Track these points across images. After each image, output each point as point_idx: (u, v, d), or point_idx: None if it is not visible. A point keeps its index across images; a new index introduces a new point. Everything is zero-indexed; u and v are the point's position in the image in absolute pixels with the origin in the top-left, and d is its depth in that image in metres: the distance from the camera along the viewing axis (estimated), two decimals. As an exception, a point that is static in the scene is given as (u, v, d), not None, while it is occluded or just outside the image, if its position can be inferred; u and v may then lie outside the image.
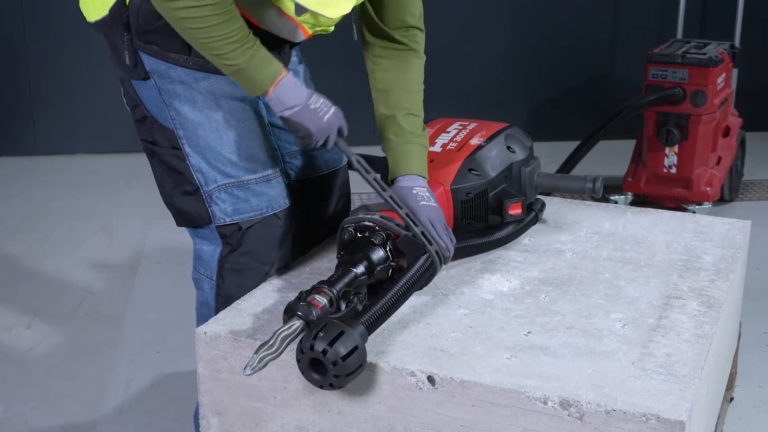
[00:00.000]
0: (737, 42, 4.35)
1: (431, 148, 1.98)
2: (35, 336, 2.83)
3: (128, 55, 1.81)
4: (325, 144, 1.81)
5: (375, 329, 1.55)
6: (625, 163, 3.93)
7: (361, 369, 1.48)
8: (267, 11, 1.74)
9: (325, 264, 1.95)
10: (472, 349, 1.59)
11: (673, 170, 3.72)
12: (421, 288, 1.75)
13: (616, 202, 3.72)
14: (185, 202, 1.91)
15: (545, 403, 1.45)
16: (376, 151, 2.00)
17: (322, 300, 1.55)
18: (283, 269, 1.93)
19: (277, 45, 1.85)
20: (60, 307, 3.03)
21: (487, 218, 1.97)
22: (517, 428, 1.47)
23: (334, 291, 1.58)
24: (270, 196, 1.88)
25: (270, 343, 1.47)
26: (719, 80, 3.71)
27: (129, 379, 2.58)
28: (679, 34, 4.46)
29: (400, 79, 1.91)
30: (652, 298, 1.80)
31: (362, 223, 1.73)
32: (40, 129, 4.64)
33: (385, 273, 1.70)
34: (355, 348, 1.45)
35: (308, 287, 1.60)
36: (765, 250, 3.30)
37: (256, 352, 1.46)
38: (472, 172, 1.94)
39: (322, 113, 1.78)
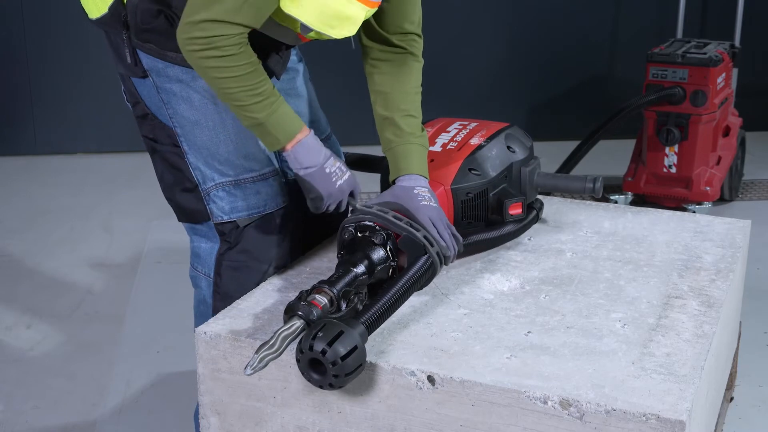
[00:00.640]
0: (737, 42, 4.35)
1: (431, 148, 1.98)
2: (35, 336, 2.83)
3: (128, 53, 1.81)
4: (337, 208, 1.82)
5: (375, 329, 1.55)
6: (625, 162, 3.93)
7: (360, 369, 1.48)
8: (268, 22, 1.74)
9: (325, 264, 1.95)
10: (472, 349, 1.59)
11: (673, 170, 3.72)
12: (421, 288, 1.75)
13: (616, 202, 3.72)
14: (185, 198, 1.92)
15: (545, 402, 1.45)
16: (375, 150, 2.00)
17: (322, 300, 1.55)
18: (283, 269, 1.93)
19: (276, 46, 1.85)
20: (60, 307, 3.03)
21: (487, 218, 1.97)
22: (517, 428, 1.47)
23: (335, 291, 1.58)
24: (267, 194, 1.88)
25: (270, 343, 1.47)
26: (719, 80, 3.71)
27: (129, 379, 2.58)
28: (679, 34, 4.46)
29: (399, 82, 1.91)
30: (652, 297, 1.80)
31: (362, 222, 1.73)
32: (39, 129, 4.64)
33: (386, 273, 1.70)
34: (355, 348, 1.45)
35: (308, 287, 1.60)
36: (765, 250, 3.30)
37: (257, 351, 1.46)
38: (473, 171, 1.94)
39: (336, 178, 1.79)
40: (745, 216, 2.35)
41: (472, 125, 2.08)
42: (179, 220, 2.00)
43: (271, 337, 1.48)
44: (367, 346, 1.50)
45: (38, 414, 2.42)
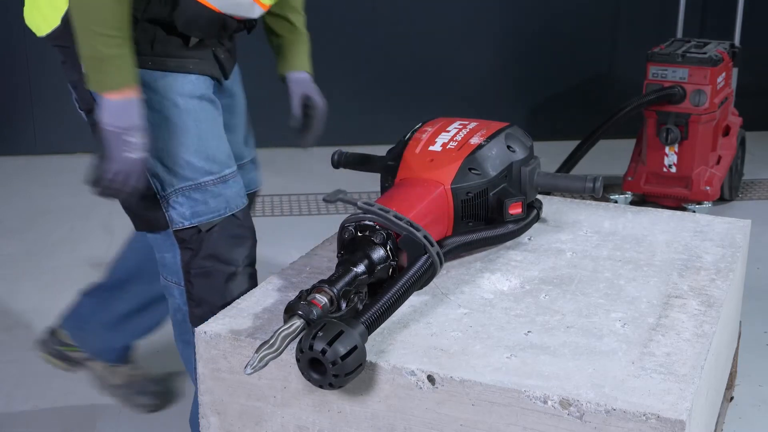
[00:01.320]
0: (737, 41, 4.35)
1: (431, 147, 1.98)
2: (35, 336, 2.83)
3: None
4: (117, 191, 1.79)
5: (375, 329, 1.55)
6: (624, 162, 3.93)
7: (360, 368, 1.48)
8: None
9: (325, 263, 1.95)
10: (472, 349, 1.59)
11: (673, 169, 3.72)
12: (421, 288, 1.75)
13: (616, 202, 3.73)
14: (142, 206, 1.90)
15: (545, 402, 1.45)
16: (375, 150, 2.01)
17: (322, 299, 1.55)
18: (278, 268, 1.93)
19: (223, 40, 1.89)
20: (60, 307, 3.03)
21: (487, 218, 1.97)
22: (517, 427, 1.47)
23: (335, 290, 1.58)
24: (228, 196, 1.88)
25: (270, 342, 1.47)
26: (719, 79, 3.71)
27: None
28: (679, 34, 4.46)
29: None
30: (652, 297, 1.80)
31: (363, 222, 1.73)
32: (39, 129, 4.64)
33: (386, 272, 1.70)
34: (355, 347, 1.45)
35: (308, 286, 1.60)
36: (765, 250, 3.30)
37: (257, 351, 1.46)
38: (473, 171, 1.94)
39: (129, 150, 1.75)
40: (745, 216, 2.35)
41: (472, 125, 2.08)
42: (137, 229, 1.99)
43: (271, 337, 1.48)
44: (367, 345, 1.50)
45: (38, 414, 2.43)
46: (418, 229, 1.71)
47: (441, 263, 1.72)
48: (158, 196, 1.86)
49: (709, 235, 2.13)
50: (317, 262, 1.97)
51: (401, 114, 4.69)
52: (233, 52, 1.94)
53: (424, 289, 1.78)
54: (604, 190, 2.53)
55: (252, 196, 2.14)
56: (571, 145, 3.63)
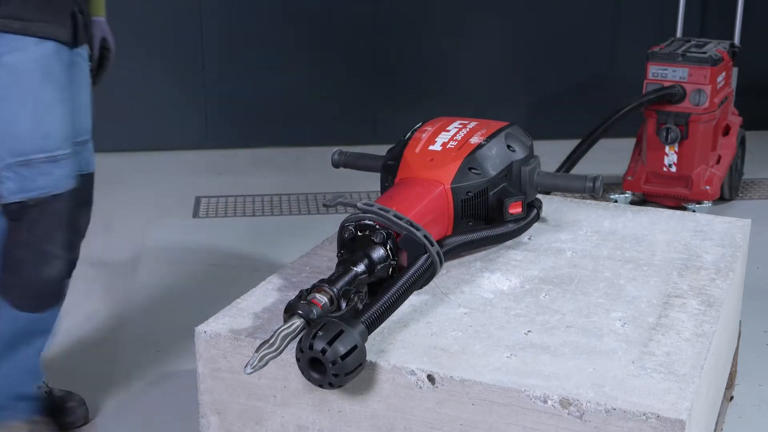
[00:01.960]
0: (737, 41, 4.35)
1: (431, 147, 1.98)
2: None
3: None
4: None
5: (375, 328, 1.55)
6: (624, 161, 3.93)
7: (360, 368, 1.48)
8: None
9: (325, 263, 1.95)
10: (472, 348, 1.59)
11: (673, 169, 3.72)
12: (421, 287, 1.75)
13: (616, 201, 3.73)
14: None
15: (545, 401, 1.45)
16: (375, 150, 2.01)
17: (322, 299, 1.55)
18: (278, 267, 1.93)
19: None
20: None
21: (487, 217, 1.97)
22: (517, 427, 1.47)
23: (335, 290, 1.57)
24: (56, 175, 1.89)
25: (270, 342, 1.47)
26: (719, 79, 3.71)
27: (129, 378, 2.58)
28: (679, 33, 4.46)
29: None
30: (652, 296, 1.80)
31: (363, 221, 1.73)
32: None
33: (386, 272, 1.70)
34: (355, 347, 1.45)
35: (308, 286, 1.60)
36: (765, 249, 3.30)
37: (257, 350, 1.45)
38: (473, 170, 1.94)
39: None
40: (745, 215, 2.35)
41: (472, 124, 2.08)
42: None
43: (271, 336, 1.48)
44: (367, 345, 1.50)
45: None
46: (418, 229, 1.71)
47: (441, 263, 1.72)
48: None
49: (709, 235, 2.13)
50: (317, 261, 1.97)
51: (401, 114, 4.70)
52: (87, 15, 1.94)
53: (424, 288, 1.78)
54: (604, 190, 2.53)
55: (87, 179, 2.15)
56: (571, 145, 3.63)
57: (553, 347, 1.60)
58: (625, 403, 1.42)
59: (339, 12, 4.65)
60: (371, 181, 2.25)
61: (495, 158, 1.98)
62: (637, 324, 1.69)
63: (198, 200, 4.01)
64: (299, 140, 4.80)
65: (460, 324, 1.68)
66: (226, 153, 4.71)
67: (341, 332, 1.45)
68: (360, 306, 1.61)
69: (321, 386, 1.48)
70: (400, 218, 1.72)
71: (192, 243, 3.57)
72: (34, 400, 2.25)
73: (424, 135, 2.03)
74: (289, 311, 1.54)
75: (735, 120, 4.00)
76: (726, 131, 3.91)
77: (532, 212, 2.07)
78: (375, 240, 1.70)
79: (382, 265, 1.68)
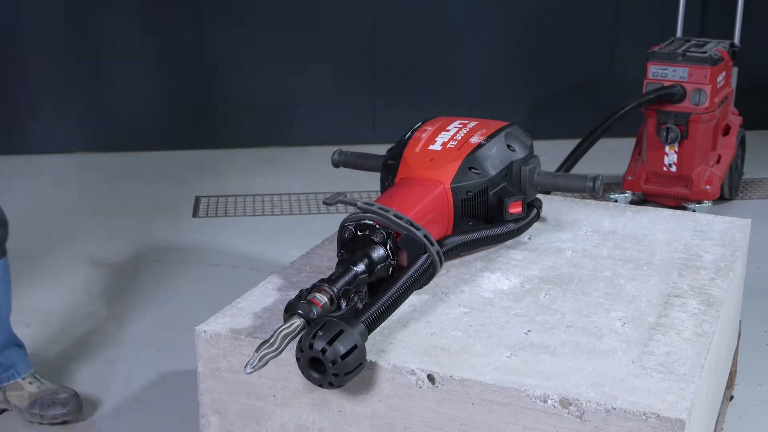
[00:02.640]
0: (737, 40, 4.35)
1: (431, 147, 1.98)
2: (35, 335, 2.83)
3: None
4: None
5: (375, 328, 1.55)
6: (624, 161, 3.93)
7: (360, 368, 1.48)
8: None
9: (325, 263, 1.95)
10: (472, 348, 1.59)
11: (673, 169, 3.72)
12: (421, 287, 1.75)
13: (616, 201, 3.72)
14: None
15: (545, 401, 1.45)
16: (375, 150, 2.01)
17: (322, 298, 1.55)
18: (278, 267, 1.93)
19: None
20: (60, 306, 3.03)
21: (487, 217, 1.97)
22: (517, 426, 1.47)
23: (335, 289, 1.57)
24: None
25: (270, 342, 1.46)
26: (719, 79, 3.71)
27: (129, 378, 2.58)
28: (679, 33, 4.46)
29: None
30: (652, 296, 1.80)
31: (363, 221, 1.73)
32: (39, 128, 4.64)
33: (386, 271, 1.70)
34: (355, 347, 1.45)
35: (308, 286, 1.60)
36: (765, 249, 3.30)
37: (257, 350, 1.45)
38: (473, 170, 1.94)
39: None
40: (745, 215, 2.35)
41: (472, 124, 2.08)
42: None
43: (271, 336, 1.48)
44: (367, 344, 1.50)
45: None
46: (418, 228, 1.71)
47: (441, 262, 1.72)
48: None
49: (709, 235, 2.13)
50: (317, 261, 1.97)
51: (401, 113, 4.70)
52: None
53: (424, 288, 1.78)
54: (604, 190, 2.53)
55: None
56: (571, 145, 3.63)
57: (553, 347, 1.60)
58: (625, 402, 1.42)
59: (339, 10, 4.64)
60: (371, 181, 2.25)
61: (495, 158, 1.98)
62: (637, 324, 1.69)
63: (198, 200, 4.01)
64: (299, 140, 4.80)
65: (460, 324, 1.68)
66: (226, 153, 4.71)
67: (341, 332, 1.45)
68: (360, 306, 1.61)
69: (321, 386, 1.47)
70: (400, 218, 1.72)
71: (192, 243, 3.57)
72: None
73: (424, 135, 2.03)
74: (289, 311, 1.54)
75: (735, 120, 4.00)
76: (726, 131, 3.91)
77: (532, 212, 2.07)
78: (375, 240, 1.70)
79: (382, 265, 1.68)
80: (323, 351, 1.43)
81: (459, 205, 1.91)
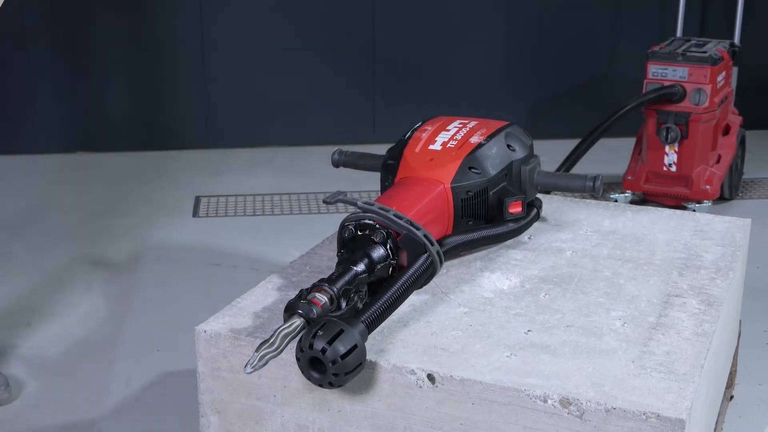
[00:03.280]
0: (737, 40, 4.35)
1: (431, 146, 1.98)
2: (35, 335, 2.83)
3: None
4: None
5: (375, 328, 1.55)
6: (624, 161, 3.93)
7: (360, 367, 1.48)
8: None
9: (325, 262, 1.95)
10: (472, 348, 1.59)
11: (673, 168, 3.72)
12: (421, 287, 1.75)
13: (616, 201, 3.72)
14: None
15: (545, 401, 1.45)
16: (375, 150, 2.01)
17: (322, 298, 1.55)
18: (278, 267, 1.93)
19: None
20: (60, 306, 3.03)
21: (487, 216, 1.97)
22: (517, 426, 1.47)
23: (335, 289, 1.57)
24: None
25: (270, 341, 1.47)
26: (719, 78, 3.71)
27: (129, 378, 2.58)
28: (679, 33, 4.46)
29: None
30: (652, 296, 1.80)
31: (363, 221, 1.73)
32: (40, 128, 4.64)
33: (386, 271, 1.70)
34: (355, 346, 1.45)
35: (308, 285, 1.60)
36: (765, 249, 3.30)
37: (257, 350, 1.45)
38: (472, 170, 1.94)
39: None
40: (745, 215, 2.35)
41: (472, 124, 2.08)
42: None
43: (271, 336, 1.47)
44: (367, 344, 1.50)
45: (38, 414, 2.42)
46: (418, 228, 1.71)
47: (441, 262, 1.72)
48: None
49: (709, 234, 2.13)
50: (317, 261, 1.97)
51: (401, 113, 4.70)
52: None
53: (424, 288, 1.78)
54: (604, 189, 2.53)
55: None
56: (571, 145, 3.63)
57: (553, 347, 1.60)
58: (625, 402, 1.42)
59: (338, 10, 4.64)
60: (371, 181, 2.25)
61: (495, 158, 1.98)
62: (637, 323, 1.69)
63: (198, 200, 4.01)
64: (299, 140, 4.80)
65: (460, 323, 1.68)
66: (226, 153, 4.71)
67: (341, 332, 1.45)
68: (360, 305, 1.61)
69: (321, 386, 1.48)
70: (400, 217, 1.72)
71: (192, 243, 3.57)
72: None
73: (424, 134, 2.03)
74: (289, 311, 1.54)
75: (735, 120, 4.00)
76: (726, 131, 3.91)
77: (532, 212, 2.07)
78: (375, 239, 1.70)
79: (382, 265, 1.68)
80: (323, 351, 1.43)
81: (459, 205, 1.92)
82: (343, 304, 1.58)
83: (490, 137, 2.01)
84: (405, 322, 1.68)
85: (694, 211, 3.45)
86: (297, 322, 1.51)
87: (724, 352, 1.99)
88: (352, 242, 1.72)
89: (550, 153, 3.77)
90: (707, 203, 3.71)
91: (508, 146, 2.02)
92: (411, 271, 1.65)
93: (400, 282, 1.62)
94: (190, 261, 3.40)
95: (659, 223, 2.19)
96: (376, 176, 2.07)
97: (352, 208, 1.77)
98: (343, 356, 1.44)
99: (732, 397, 2.41)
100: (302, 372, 1.48)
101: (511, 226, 1.98)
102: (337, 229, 1.76)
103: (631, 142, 3.96)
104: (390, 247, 1.70)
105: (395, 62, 4.77)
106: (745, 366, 2.50)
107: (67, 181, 4.27)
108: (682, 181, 3.73)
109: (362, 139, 4.66)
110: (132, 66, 4.63)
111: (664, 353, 1.58)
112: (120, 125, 4.68)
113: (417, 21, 4.73)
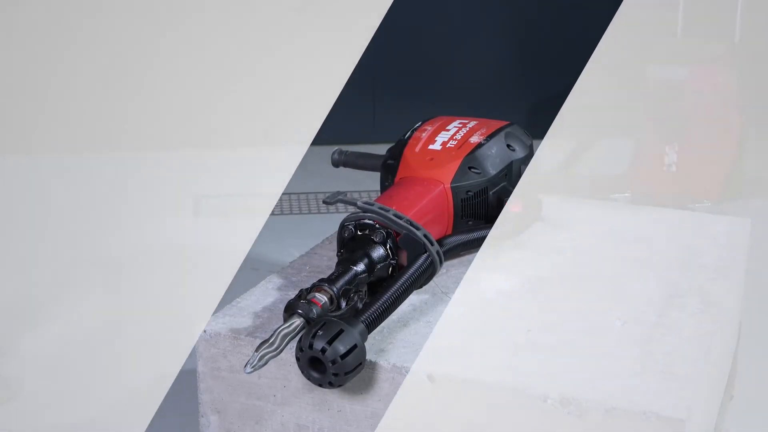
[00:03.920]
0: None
1: (431, 146, 1.98)
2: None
3: None
4: None
5: (375, 327, 1.55)
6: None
7: (360, 367, 1.48)
8: None
9: (324, 262, 1.95)
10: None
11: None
12: (421, 287, 1.75)
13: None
14: None
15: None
16: (375, 150, 2.01)
17: (322, 298, 1.55)
18: (278, 267, 1.93)
19: None
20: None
21: (487, 216, 1.97)
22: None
23: (335, 289, 1.57)
24: None
25: (270, 341, 1.47)
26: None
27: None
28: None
29: None
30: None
31: (362, 220, 1.73)
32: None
33: (386, 271, 1.70)
34: (355, 346, 1.45)
35: (308, 285, 1.60)
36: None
37: (257, 350, 1.45)
38: (472, 170, 1.94)
39: None
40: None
41: (472, 123, 2.08)
42: None
43: (271, 336, 1.48)
44: (367, 344, 1.50)
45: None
46: (417, 228, 1.70)
47: (441, 262, 1.72)
48: None
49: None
50: (317, 260, 1.97)
51: (401, 113, 4.69)
52: None
53: (424, 288, 1.78)
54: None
55: None
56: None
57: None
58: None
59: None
60: (371, 181, 2.24)
61: (495, 157, 1.98)
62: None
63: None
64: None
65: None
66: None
67: (341, 331, 1.45)
68: (360, 305, 1.61)
69: (321, 385, 1.47)
70: (400, 217, 1.72)
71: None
72: None
73: (423, 134, 2.03)
74: (289, 310, 1.54)
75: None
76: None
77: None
78: (375, 239, 1.70)
79: (381, 265, 1.68)
80: (323, 351, 1.43)
81: (459, 205, 1.91)
82: (343, 304, 1.58)
83: (490, 137, 2.01)
84: (405, 322, 1.68)
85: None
86: (297, 322, 1.51)
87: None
88: (351, 242, 1.72)
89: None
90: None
91: (508, 146, 2.02)
92: (411, 271, 1.65)
93: (400, 282, 1.62)
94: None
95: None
96: (376, 176, 2.07)
97: (351, 208, 1.76)
98: (343, 356, 1.44)
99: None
100: (302, 372, 1.48)
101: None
102: (337, 229, 1.76)
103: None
104: (390, 246, 1.70)
105: (395, 61, 4.77)
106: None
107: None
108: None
109: (362, 140, 4.66)
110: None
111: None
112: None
113: (417, 20, 4.73)
